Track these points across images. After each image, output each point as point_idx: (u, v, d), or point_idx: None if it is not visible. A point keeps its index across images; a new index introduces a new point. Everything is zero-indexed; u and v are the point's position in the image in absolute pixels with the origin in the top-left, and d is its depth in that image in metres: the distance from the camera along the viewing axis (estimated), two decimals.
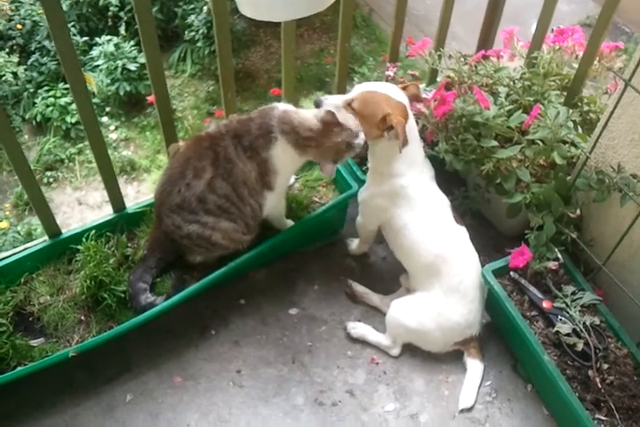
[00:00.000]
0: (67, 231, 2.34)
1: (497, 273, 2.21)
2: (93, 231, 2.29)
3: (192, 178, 2.12)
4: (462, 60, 2.49)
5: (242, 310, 2.40)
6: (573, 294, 2.17)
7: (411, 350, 2.31)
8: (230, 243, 2.23)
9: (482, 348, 2.27)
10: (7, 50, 5.82)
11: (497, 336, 2.35)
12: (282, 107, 2.14)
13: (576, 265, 2.25)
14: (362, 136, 2.09)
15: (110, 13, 6.24)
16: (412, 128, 2.16)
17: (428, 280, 2.23)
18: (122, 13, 6.24)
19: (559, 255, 2.17)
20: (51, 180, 5.72)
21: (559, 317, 2.11)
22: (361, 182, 2.37)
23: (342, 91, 2.58)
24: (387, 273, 2.51)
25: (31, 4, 6.12)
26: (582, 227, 2.29)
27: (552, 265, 2.16)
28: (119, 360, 2.26)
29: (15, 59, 5.78)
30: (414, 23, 5.58)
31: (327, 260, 2.54)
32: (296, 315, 2.40)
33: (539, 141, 2.22)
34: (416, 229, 2.20)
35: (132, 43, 6.11)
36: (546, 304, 2.14)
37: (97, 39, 6.14)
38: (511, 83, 2.40)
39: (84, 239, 2.26)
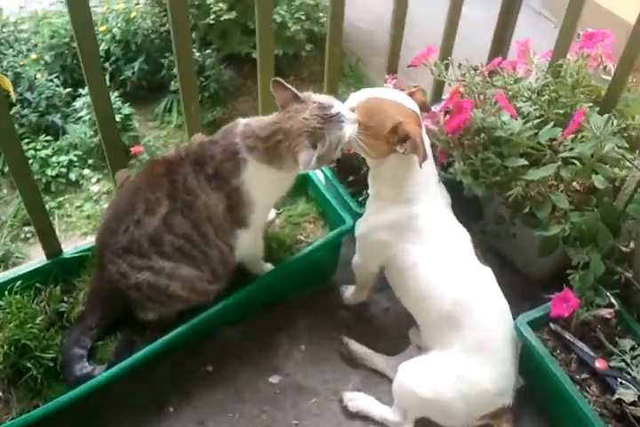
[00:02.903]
0: None
1: (533, 325, 1.65)
2: (19, 282, 1.73)
3: (143, 213, 1.59)
4: (473, 71, 1.98)
5: (209, 379, 1.82)
6: (633, 349, 1.63)
7: None
8: (192, 294, 1.67)
9: (516, 422, 1.68)
10: None
11: (533, 407, 1.76)
12: (244, 121, 1.62)
13: (629, 312, 1.69)
14: (338, 106, 1.55)
15: None
16: (426, 143, 1.64)
17: (444, 336, 1.67)
18: (107, 64, 5.85)
19: (613, 300, 1.61)
20: (28, 235, 5.18)
21: (618, 379, 1.57)
22: (356, 216, 1.83)
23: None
24: (391, 328, 1.94)
25: (14, 56, 5.75)
26: (635, 264, 1.73)
27: (606, 313, 1.61)
28: None
29: None
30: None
31: (316, 313, 1.97)
32: (278, 384, 1.81)
33: (574, 161, 1.69)
34: (429, 269, 1.65)
35: (116, 93, 5.69)
36: (600, 364, 1.60)
37: (80, 90, 5.74)
38: (534, 95, 1.89)
39: (6, 293, 1.70)
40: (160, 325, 1.72)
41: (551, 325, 1.66)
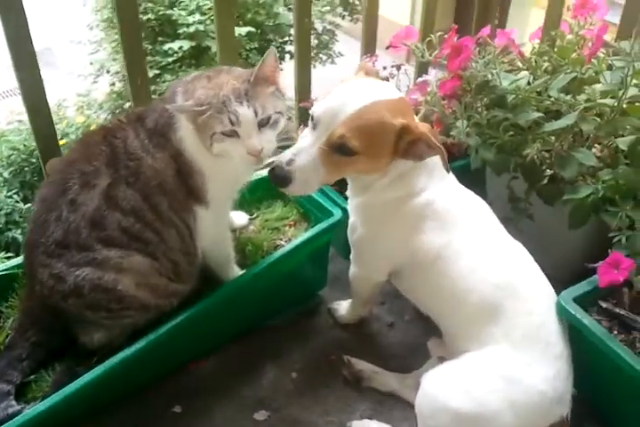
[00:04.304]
0: None
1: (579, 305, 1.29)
2: None
3: (79, 189, 1.25)
4: None
5: (177, 423, 1.37)
6: None
7: None
8: (150, 295, 1.29)
9: None
10: None
11: (592, 415, 1.36)
12: (198, 74, 1.31)
13: None
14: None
15: None
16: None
17: (484, 330, 1.28)
18: None
19: None
20: None
21: None
22: (345, 212, 1.49)
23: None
24: (400, 345, 1.55)
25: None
26: None
27: None
28: None
29: None
30: None
31: (306, 336, 1.57)
32: (267, 421, 1.39)
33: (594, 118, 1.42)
34: (459, 256, 1.31)
35: None
36: None
37: None
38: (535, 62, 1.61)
39: None
40: (109, 351, 1.31)
41: (600, 303, 1.31)
